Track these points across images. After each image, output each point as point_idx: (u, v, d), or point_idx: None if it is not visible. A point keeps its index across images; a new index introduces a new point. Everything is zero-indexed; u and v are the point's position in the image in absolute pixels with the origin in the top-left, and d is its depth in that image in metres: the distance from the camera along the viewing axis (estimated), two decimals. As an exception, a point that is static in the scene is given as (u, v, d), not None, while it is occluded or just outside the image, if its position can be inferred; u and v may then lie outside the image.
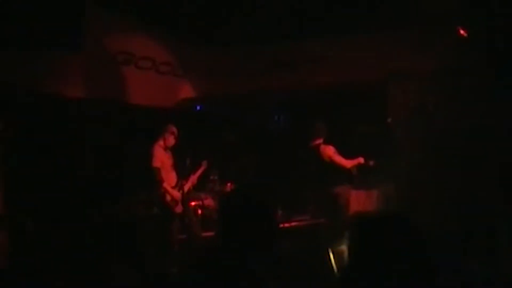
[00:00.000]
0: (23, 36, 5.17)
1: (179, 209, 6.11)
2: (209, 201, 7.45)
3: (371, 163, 6.49)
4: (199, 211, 7.30)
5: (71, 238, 5.63)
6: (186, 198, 6.33)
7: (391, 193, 6.61)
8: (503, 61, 5.52)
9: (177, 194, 6.10)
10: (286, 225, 7.05)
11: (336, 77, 6.44)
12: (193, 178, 6.42)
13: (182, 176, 6.29)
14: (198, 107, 8.12)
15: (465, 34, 5.80)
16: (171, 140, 6.15)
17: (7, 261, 5.20)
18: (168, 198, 6.04)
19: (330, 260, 5.26)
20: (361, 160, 6.36)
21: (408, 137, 6.44)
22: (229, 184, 7.56)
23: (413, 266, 1.46)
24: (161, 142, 6.12)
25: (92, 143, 6.87)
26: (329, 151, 6.40)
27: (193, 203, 7.12)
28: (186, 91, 6.64)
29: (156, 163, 5.98)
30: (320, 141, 6.47)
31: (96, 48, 5.56)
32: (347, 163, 6.35)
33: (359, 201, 6.68)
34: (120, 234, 6.04)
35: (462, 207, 5.54)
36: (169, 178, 6.12)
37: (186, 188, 6.26)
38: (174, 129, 6.18)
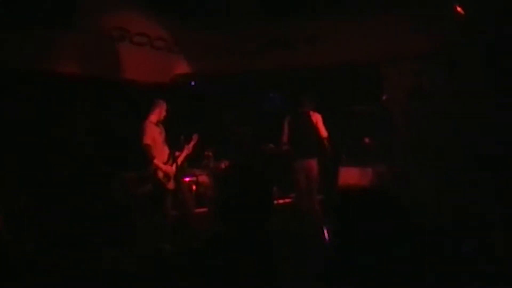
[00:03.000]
0: (16, 13, 5.08)
1: (171, 185, 6.09)
2: (203, 178, 7.47)
3: (367, 140, 6.58)
4: (194, 188, 7.32)
5: (63, 216, 5.64)
6: (180, 174, 6.32)
7: (384, 171, 6.67)
8: (499, 42, 5.52)
9: (169, 169, 6.06)
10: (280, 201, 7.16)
11: (332, 57, 6.43)
12: (188, 148, 6.38)
13: (175, 150, 6.27)
14: (192, 83, 8.06)
15: (462, 12, 5.78)
16: (161, 114, 6.13)
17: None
18: (160, 174, 5.99)
19: (323, 236, 5.35)
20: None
21: (403, 117, 6.47)
22: (224, 161, 7.57)
23: (401, 243, 1.49)
24: (152, 118, 6.06)
25: (86, 119, 6.84)
26: (317, 117, 6.74)
27: (187, 180, 7.13)
28: (181, 67, 6.59)
29: (147, 140, 5.91)
30: (308, 109, 6.69)
31: (90, 24, 5.51)
32: (324, 133, 6.67)
33: (353, 178, 6.74)
34: (114, 211, 6.07)
35: (455, 187, 5.59)
36: (161, 154, 6.05)
37: (180, 159, 6.24)
38: (163, 103, 6.15)
